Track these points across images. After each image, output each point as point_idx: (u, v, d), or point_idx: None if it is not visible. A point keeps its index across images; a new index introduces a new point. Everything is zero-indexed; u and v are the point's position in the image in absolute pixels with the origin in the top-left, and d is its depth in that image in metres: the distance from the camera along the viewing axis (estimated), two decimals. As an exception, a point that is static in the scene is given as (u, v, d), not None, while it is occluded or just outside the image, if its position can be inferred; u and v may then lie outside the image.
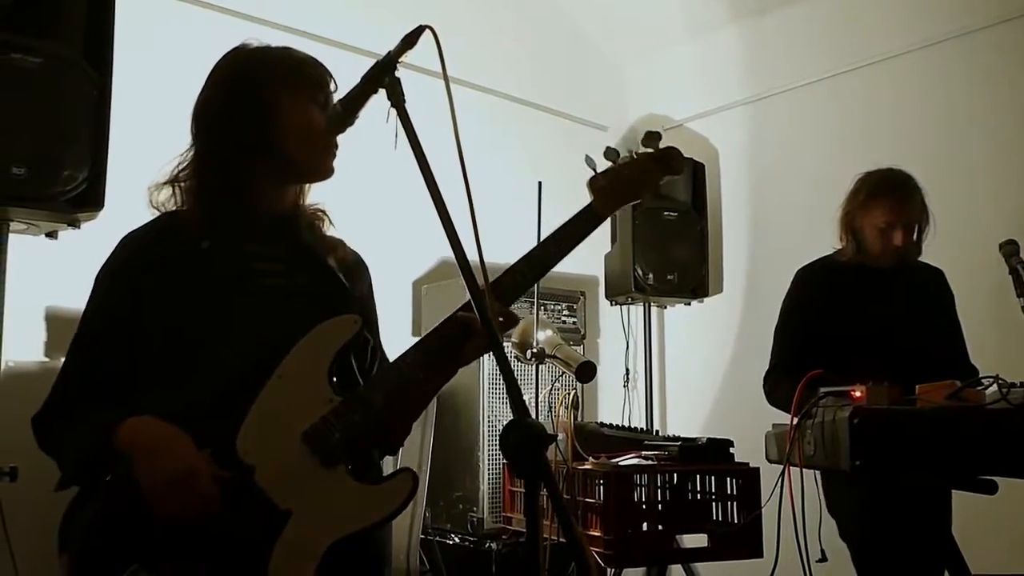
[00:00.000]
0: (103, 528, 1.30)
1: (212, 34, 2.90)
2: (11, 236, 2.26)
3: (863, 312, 2.56)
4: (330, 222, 1.63)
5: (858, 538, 2.40)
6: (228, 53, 1.57)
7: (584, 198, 1.68)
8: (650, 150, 1.72)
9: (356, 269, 1.65)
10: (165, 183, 1.52)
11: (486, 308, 1.21)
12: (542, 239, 1.60)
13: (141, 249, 1.47)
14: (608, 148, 1.72)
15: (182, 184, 1.51)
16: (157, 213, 1.52)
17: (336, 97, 1.51)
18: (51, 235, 2.34)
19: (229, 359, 1.39)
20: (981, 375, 1.87)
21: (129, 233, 1.51)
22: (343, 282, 1.56)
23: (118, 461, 1.29)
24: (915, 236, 2.60)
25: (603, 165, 1.72)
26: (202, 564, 1.28)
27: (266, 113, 1.49)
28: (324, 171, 1.56)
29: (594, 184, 1.65)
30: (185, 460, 1.28)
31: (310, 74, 1.55)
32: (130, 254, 1.47)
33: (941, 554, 2.35)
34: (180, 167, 1.52)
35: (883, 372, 1.91)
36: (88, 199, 2.20)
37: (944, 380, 1.87)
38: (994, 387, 1.78)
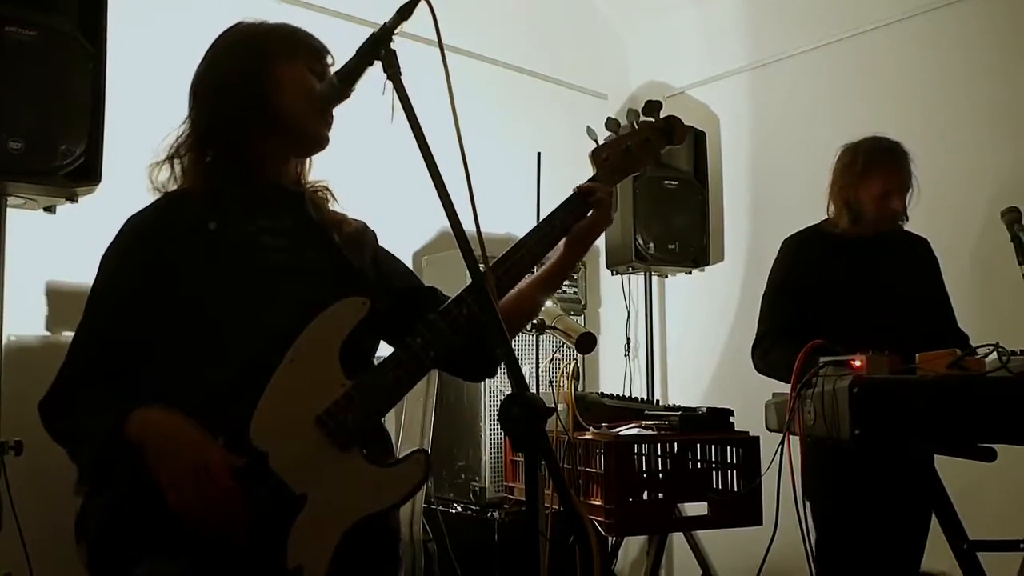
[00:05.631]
0: (119, 518, 1.29)
1: (207, 4, 2.87)
2: (9, 211, 2.25)
3: (852, 280, 2.57)
4: (334, 198, 1.61)
5: (826, 525, 2.43)
6: (225, 31, 1.56)
7: (584, 167, 1.67)
8: (651, 119, 1.70)
9: (360, 239, 1.63)
10: (164, 160, 1.50)
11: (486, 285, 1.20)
12: (548, 212, 1.59)
13: (147, 230, 1.45)
14: (609, 119, 1.70)
15: (182, 160, 1.49)
16: (158, 194, 1.51)
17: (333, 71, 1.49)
18: (49, 209, 2.33)
19: (239, 342, 1.38)
20: (977, 344, 1.87)
21: (134, 215, 1.49)
22: (350, 260, 1.55)
23: (130, 453, 1.27)
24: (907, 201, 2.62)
25: (604, 135, 1.70)
26: (219, 551, 1.26)
27: (262, 77, 1.48)
28: (320, 139, 1.55)
29: (597, 156, 1.64)
30: (198, 456, 1.26)
31: (306, 42, 1.54)
32: (136, 236, 1.45)
33: (914, 549, 2.42)
34: (178, 143, 1.51)
35: (873, 339, 1.92)
36: (85, 173, 2.18)
37: (934, 347, 1.88)
38: (994, 355, 1.78)
